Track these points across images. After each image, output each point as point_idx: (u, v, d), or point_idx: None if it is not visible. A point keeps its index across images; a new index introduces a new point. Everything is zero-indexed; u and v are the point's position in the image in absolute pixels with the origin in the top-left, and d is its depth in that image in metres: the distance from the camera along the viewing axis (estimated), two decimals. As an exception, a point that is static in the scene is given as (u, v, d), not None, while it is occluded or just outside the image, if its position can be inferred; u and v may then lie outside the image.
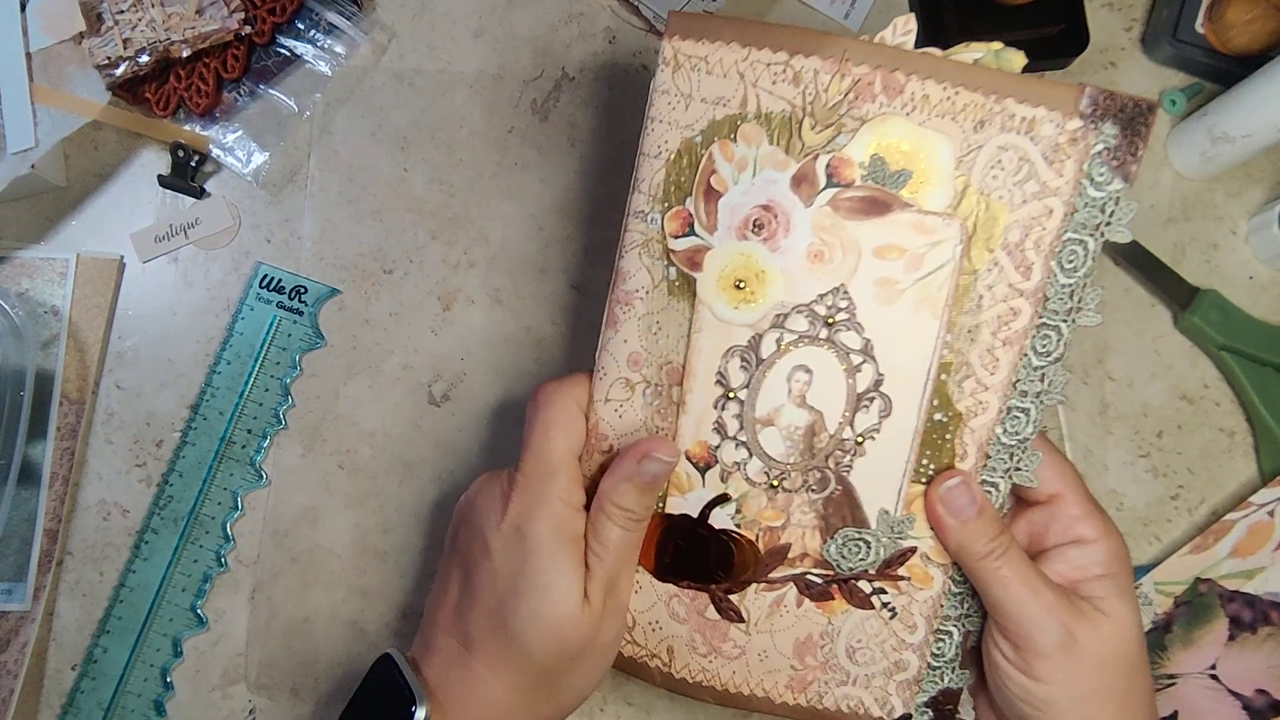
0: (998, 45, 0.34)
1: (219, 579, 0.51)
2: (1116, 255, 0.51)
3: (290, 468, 0.52)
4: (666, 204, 0.37)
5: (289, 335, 0.52)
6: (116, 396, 0.52)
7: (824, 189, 0.35)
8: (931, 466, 0.37)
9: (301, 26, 0.54)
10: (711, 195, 0.36)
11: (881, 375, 0.36)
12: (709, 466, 0.38)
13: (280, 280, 0.53)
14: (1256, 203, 0.52)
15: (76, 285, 0.52)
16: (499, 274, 0.53)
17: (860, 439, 0.37)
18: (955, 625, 0.38)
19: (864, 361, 0.36)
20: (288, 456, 0.52)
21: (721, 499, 0.38)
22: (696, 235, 0.37)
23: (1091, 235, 0.34)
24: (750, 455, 0.38)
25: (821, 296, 0.36)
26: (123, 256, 0.53)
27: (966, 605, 0.38)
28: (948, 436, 0.36)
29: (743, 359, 0.37)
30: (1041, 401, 0.35)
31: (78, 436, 0.51)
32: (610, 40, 0.55)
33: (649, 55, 0.55)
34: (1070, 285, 0.35)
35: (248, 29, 0.52)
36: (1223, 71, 0.51)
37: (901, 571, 0.37)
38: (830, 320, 0.36)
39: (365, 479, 0.52)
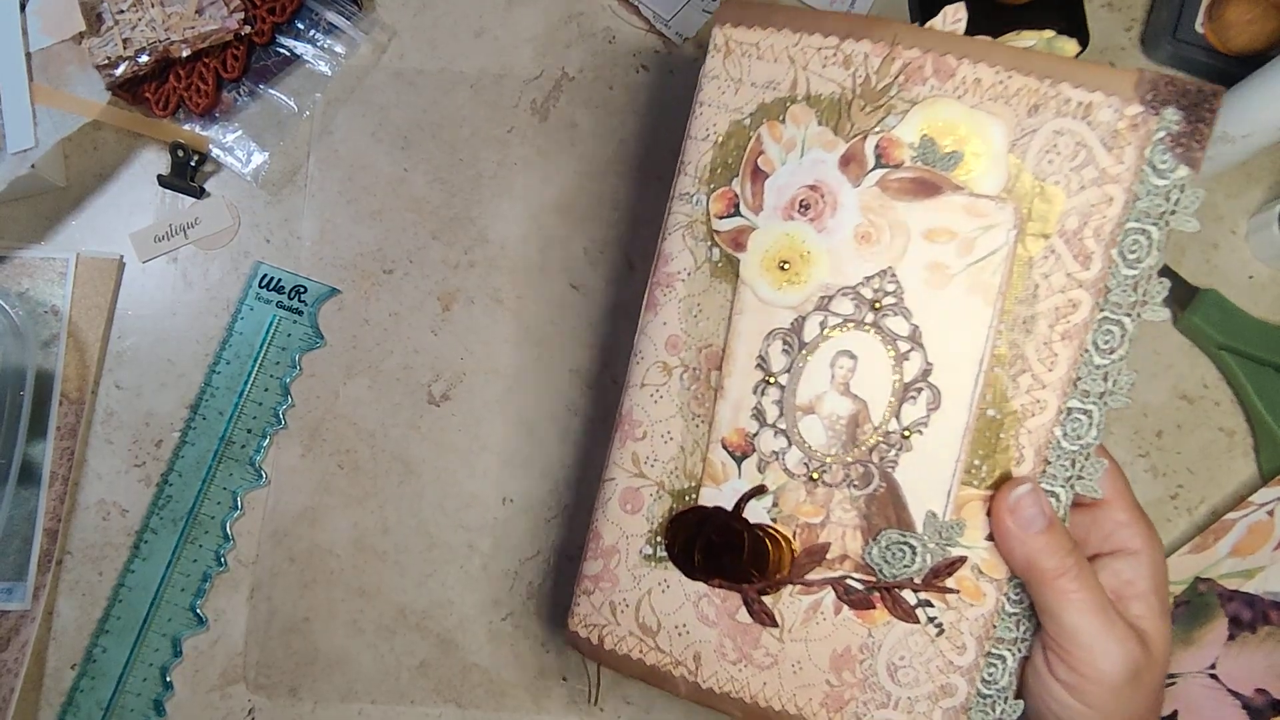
0: (1049, 33, 0.33)
1: (218, 579, 0.51)
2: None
3: (290, 467, 0.52)
4: (712, 186, 0.37)
5: (289, 335, 0.52)
6: (116, 396, 0.52)
7: (872, 169, 0.34)
8: (984, 469, 0.34)
9: (301, 26, 0.54)
10: (758, 176, 0.36)
11: (930, 365, 0.34)
12: (746, 456, 0.37)
13: (280, 280, 0.53)
14: (1256, 203, 0.52)
15: (76, 285, 0.52)
16: (499, 274, 0.53)
17: (907, 433, 0.35)
18: (1010, 650, 0.34)
19: (912, 349, 0.34)
20: (287, 456, 0.52)
21: (758, 491, 0.36)
22: (741, 216, 0.36)
23: (1155, 224, 0.32)
24: (789, 445, 0.36)
25: (868, 279, 0.35)
26: (122, 256, 0.53)
27: (1023, 628, 0.35)
28: (1002, 436, 0.34)
29: (785, 342, 0.36)
30: (1105, 403, 0.33)
31: (77, 436, 0.51)
32: (610, 40, 0.55)
33: (649, 55, 0.55)
34: (1134, 277, 0.32)
35: (247, 29, 0.52)
36: (1223, 71, 0.51)
37: (950, 583, 0.35)
38: (877, 304, 0.35)
39: (365, 479, 0.52)
